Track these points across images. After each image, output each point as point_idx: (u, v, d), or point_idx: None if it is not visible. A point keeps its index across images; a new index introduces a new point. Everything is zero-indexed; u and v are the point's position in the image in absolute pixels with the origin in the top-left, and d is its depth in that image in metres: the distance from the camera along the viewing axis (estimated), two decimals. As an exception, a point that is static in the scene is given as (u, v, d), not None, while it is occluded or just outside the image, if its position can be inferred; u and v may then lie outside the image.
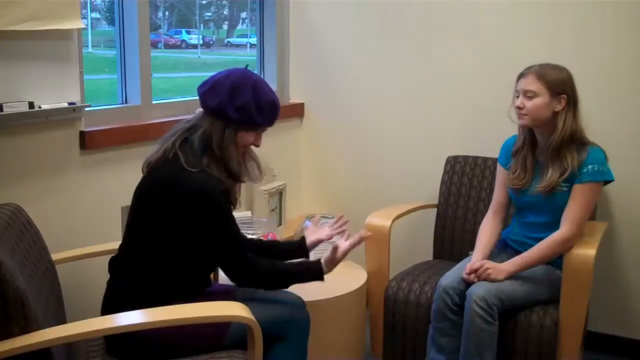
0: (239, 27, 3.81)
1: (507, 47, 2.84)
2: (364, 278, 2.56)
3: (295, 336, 1.91)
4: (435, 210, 2.86)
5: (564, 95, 2.23)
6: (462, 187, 2.81)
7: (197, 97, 1.88)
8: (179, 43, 3.49)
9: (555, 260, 2.29)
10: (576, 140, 2.25)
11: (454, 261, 2.51)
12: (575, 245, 2.22)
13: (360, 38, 3.18)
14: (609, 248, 2.75)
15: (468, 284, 2.22)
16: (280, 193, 3.14)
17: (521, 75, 2.28)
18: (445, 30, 2.98)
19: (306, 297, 2.14)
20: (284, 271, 1.93)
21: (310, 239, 2.16)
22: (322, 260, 1.96)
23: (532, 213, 2.36)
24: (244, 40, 3.72)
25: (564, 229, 2.22)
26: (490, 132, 2.75)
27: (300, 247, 2.15)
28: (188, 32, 3.56)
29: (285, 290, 2.15)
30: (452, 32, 2.96)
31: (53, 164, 2.12)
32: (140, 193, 1.86)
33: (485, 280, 2.20)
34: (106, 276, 1.89)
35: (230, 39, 3.76)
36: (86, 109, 2.19)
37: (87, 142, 2.20)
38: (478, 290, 2.16)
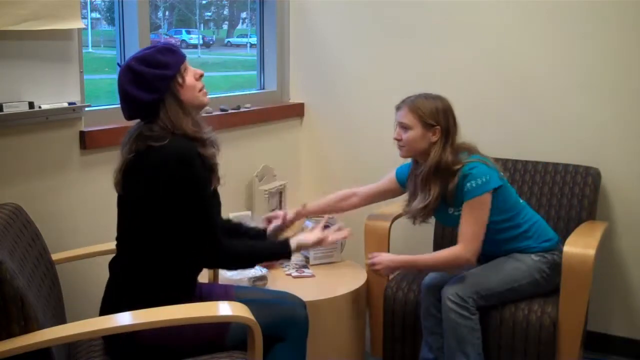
0: (239, 27, 3.80)
1: (507, 48, 2.84)
2: (364, 278, 2.57)
3: (294, 336, 1.91)
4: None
5: (437, 127, 2.22)
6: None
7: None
8: (179, 43, 3.49)
9: (525, 245, 2.29)
10: (442, 172, 2.22)
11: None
12: (574, 245, 2.23)
13: (360, 38, 3.18)
14: (609, 248, 2.75)
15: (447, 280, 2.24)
16: (280, 193, 3.14)
17: (398, 108, 2.29)
18: (445, 30, 2.98)
19: (306, 297, 2.14)
20: (255, 250, 1.92)
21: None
22: (294, 241, 1.96)
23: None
24: (244, 40, 3.72)
25: (459, 247, 2.21)
26: (490, 132, 2.75)
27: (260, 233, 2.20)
28: (188, 32, 3.56)
29: (285, 290, 2.15)
30: (451, 32, 2.97)
31: (53, 164, 2.12)
32: (121, 200, 1.85)
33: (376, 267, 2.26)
34: (106, 276, 1.89)
35: (230, 39, 3.76)
36: (86, 109, 2.19)
37: (87, 142, 2.20)
38: (450, 286, 2.19)
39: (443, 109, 2.24)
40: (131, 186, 1.79)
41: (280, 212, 2.34)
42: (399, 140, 2.26)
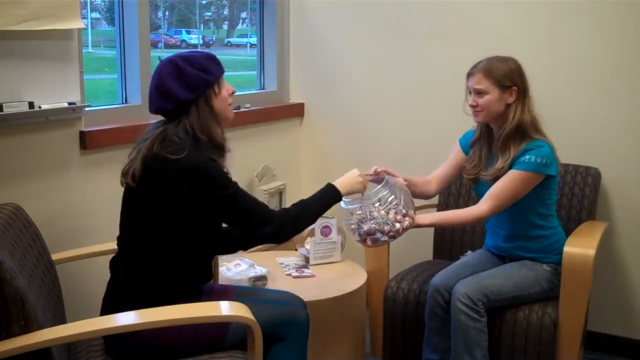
0: (239, 27, 3.80)
1: (507, 48, 2.82)
2: (364, 278, 2.56)
3: (294, 336, 1.90)
4: (435, 210, 2.86)
5: (514, 87, 2.23)
6: (462, 187, 2.80)
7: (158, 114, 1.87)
8: (179, 43, 3.48)
9: (542, 255, 2.30)
10: (520, 133, 2.23)
11: (454, 261, 2.51)
12: (574, 245, 2.23)
13: (360, 38, 3.18)
14: (609, 248, 2.75)
15: (457, 282, 2.22)
16: (280, 193, 3.15)
17: (469, 74, 2.29)
18: (444, 30, 2.98)
19: (306, 297, 2.14)
20: (308, 206, 1.97)
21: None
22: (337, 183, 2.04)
23: None
24: (244, 40, 3.72)
25: (484, 206, 2.21)
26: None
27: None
28: (188, 32, 3.55)
29: (285, 290, 2.15)
30: (451, 32, 2.97)
31: (53, 164, 2.12)
32: (131, 198, 1.85)
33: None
34: (106, 276, 1.89)
35: (230, 39, 3.75)
36: (86, 109, 2.19)
37: (87, 142, 2.21)
38: (461, 287, 2.18)
39: (517, 69, 2.25)
40: (148, 187, 1.78)
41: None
42: (474, 106, 2.26)
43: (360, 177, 2.09)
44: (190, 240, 1.82)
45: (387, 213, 2.10)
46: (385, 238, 2.11)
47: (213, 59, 1.88)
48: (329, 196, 2.03)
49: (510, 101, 2.23)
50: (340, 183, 2.06)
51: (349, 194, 2.06)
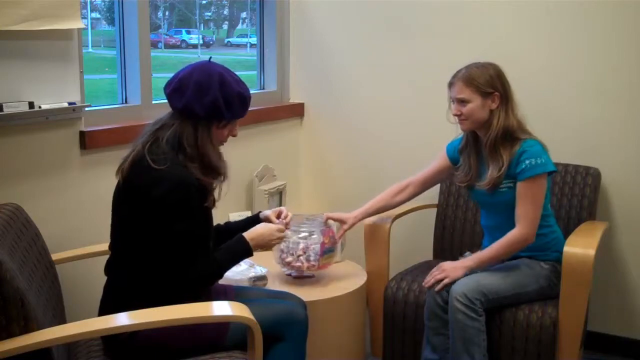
0: (239, 27, 3.81)
1: (507, 48, 2.84)
2: (364, 278, 2.56)
3: (294, 336, 1.90)
4: (435, 210, 2.86)
5: (496, 93, 2.23)
6: (462, 188, 2.80)
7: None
8: (179, 43, 3.49)
9: (539, 253, 2.31)
10: (509, 137, 2.23)
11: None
12: (574, 245, 2.23)
13: (360, 38, 3.18)
14: (609, 248, 2.75)
15: (455, 281, 2.23)
16: (280, 193, 3.15)
17: (450, 84, 2.28)
18: (445, 30, 2.98)
19: (306, 297, 2.14)
20: (218, 265, 1.85)
21: (265, 213, 2.16)
22: (247, 234, 1.95)
23: (486, 213, 2.41)
24: (244, 40, 3.72)
25: (519, 228, 2.22)
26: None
27: (253, 221, 2.12)
28: (188, 32, 3.56)
29: (285, 290, 2.15)
30: (452, 32, 2.97)
31: (53, 164, 2.12)
32: (117, 199, 1.85)
33: (442, 280, 2.22)
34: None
35: (230, 39, 3.76)
36: (86, 109, 2.19)
37: (87, 142, 2.20)
38: (458, 286, 2.18)
39: (497, 74, 2.25)
40: (131, 189, 1.78)
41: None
42: (458, 115, 2.26)
43: (275, 233, 1.99)
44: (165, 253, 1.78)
45: (298, 244, 2.40)
46: (281, 260, 2.45)
47: (245, 100, 1.85)
48: (239, 250, 1.91)
49: (494, 107, 2.23)
50: (251, 235, 1.94)
51: (258, 247, 1.96)
